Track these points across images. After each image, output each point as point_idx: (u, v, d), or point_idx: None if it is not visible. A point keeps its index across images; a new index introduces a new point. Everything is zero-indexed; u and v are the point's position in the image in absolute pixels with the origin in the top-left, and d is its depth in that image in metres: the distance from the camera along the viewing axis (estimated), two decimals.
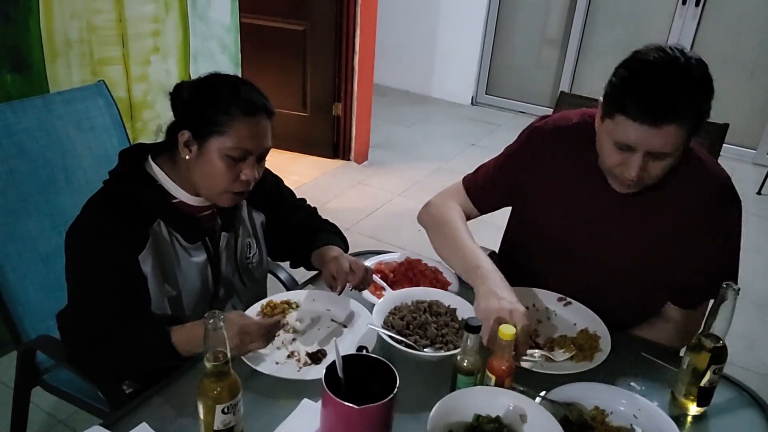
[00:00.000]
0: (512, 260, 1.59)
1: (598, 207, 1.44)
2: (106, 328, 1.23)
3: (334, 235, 1.56)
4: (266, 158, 1.33)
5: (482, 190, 1.61)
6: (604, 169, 1.37)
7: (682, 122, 1.21)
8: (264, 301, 1.41)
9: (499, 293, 1.26)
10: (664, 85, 1.21)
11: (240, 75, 3.05)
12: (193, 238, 1.34)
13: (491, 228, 1.80)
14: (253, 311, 1.37)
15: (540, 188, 1.52)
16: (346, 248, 1.53)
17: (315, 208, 1.65)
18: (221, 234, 1.40)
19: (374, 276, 1.52)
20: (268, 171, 1.51)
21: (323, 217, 1.64)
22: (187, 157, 1.26)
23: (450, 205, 1.59)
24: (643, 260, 1.43)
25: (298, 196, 1.62)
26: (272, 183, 1.55)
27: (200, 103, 1.25)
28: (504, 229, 1.69)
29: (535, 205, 1.54)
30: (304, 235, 1.53)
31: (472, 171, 1.66)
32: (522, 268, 1.55)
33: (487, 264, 1.35)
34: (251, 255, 1.48)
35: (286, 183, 1.60)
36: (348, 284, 1.37)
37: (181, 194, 1.31)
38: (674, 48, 1.24)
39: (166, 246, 1.30)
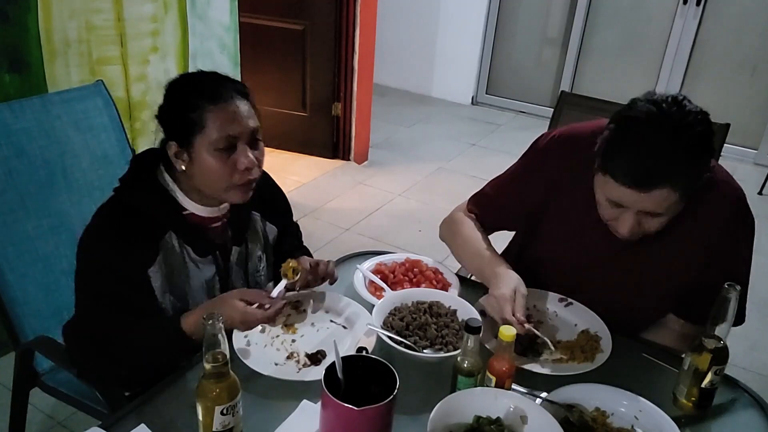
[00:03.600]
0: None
1: (608, 231, 1.34)
2: (113, 339, 1.23)
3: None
4: (261, 142, 1.29)
5: (492, 209, 1.56)
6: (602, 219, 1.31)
7: (673, 185, 1.14)
8: None
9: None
10: (652, 147, 1.13)
11: (240, 75, 3.07)
12: (204, 251, 1.32)
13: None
14: None
15: (550, 210, 1.46)
16: None
17: (299, 228, 1.66)
18: (232, 248, 1.38)
19: (374, 276, 1.52)
20: (278, 188, 1.52)
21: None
22: (183, 167, 1.25)
23: (463, 216, 1.59)
24: (652, 282, 1.40)
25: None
26: (284, 201, 1.55)
27: (172, 110, 1.25)
28: (503, 250, 1.63)
29: (544, 227, 1.49)
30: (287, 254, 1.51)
31: (473, 194, 1.61)
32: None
33: (501, 270, 1.37)
34: (261, 268, 1.47)
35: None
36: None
37: (190, 205, 1.30)
38: (672, 100, 1.15)
39: (176, 259, 1.28)
